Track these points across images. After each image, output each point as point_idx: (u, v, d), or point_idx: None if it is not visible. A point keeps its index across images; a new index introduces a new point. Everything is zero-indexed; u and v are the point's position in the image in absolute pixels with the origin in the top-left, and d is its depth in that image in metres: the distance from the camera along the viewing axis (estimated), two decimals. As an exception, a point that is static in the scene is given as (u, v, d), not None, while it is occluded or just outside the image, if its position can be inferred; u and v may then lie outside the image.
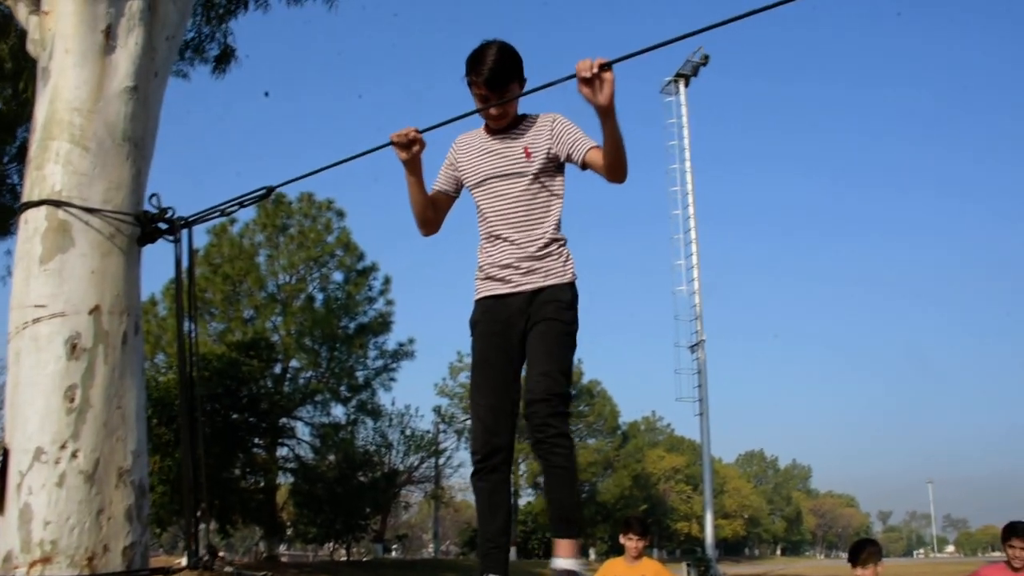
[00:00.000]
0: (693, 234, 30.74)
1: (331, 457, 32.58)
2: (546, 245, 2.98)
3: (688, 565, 28.32)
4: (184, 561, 3.81)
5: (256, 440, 28.21)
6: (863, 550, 4.85)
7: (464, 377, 49.54)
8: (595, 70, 2.61)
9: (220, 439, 22.75)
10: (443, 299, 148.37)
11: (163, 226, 4.04)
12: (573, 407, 49.63)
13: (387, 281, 34.28)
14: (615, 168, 2.88)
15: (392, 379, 34.44)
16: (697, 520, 51.01)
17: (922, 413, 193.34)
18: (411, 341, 34.83)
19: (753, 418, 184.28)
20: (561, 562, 2.80)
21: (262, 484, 29.12)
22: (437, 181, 3.21)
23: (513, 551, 49.27)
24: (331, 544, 44.56)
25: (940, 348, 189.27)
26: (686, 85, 33.00)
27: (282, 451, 31.21)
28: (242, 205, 4.86)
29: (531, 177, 3.00)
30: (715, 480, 66.69)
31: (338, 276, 33.00)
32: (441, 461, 41.91)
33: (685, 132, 32.34)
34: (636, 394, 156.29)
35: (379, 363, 34.35)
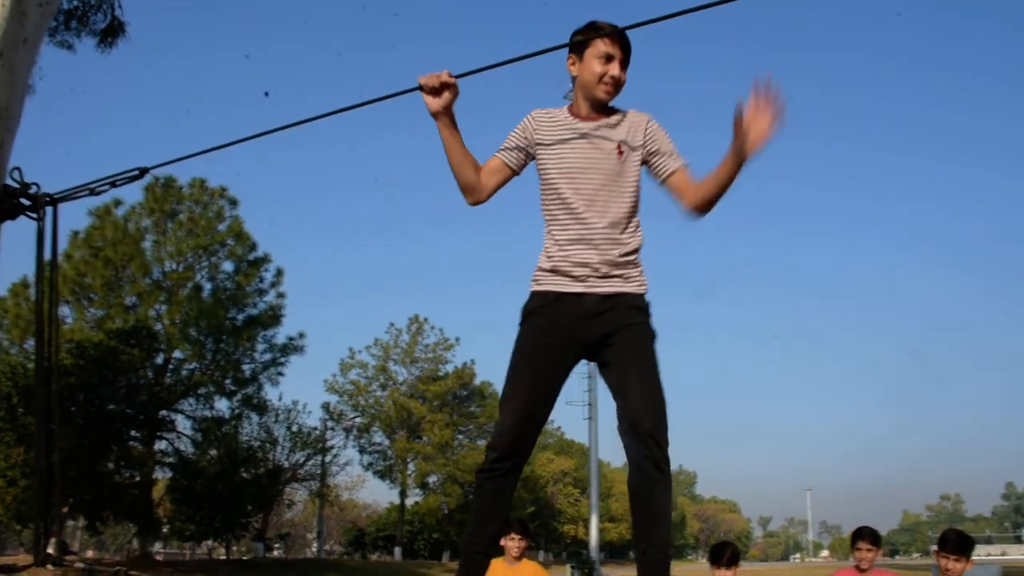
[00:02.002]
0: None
1: (213, 452, 31.61)
2: (630, 252, 2.76)
3: (572, 567, 28.61)
4: (33, 558, 3.58)
5: (133, 433, 27.12)
6: (726, 551, 4.94)
7: (355, 374, 48.93)
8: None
9: (94, 430, 21.77)
10: (336, 294, 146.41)
11: (25, 202, 3.80)
12: (464, 408, 49.36)
13: (279, 273, 33.53)
14: (707, 203, 2.71)
15: (280, 374, 33.71)
16: (584, 523, 51.80)
17: (803, 423, 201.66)
18: (301, 335, 34.20)
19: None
20: None
21: (137, 479, 28.01)
22: (502, 150, 2.89)
23: (398, 551, 48.88)
24: (210, 542, 43.25)
25: (824, 360, 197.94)
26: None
27: (160, 445, 30.15)
28: (114, 184, 4.64)
29: (621, 175, 2.76)
30: (603, 484, 67.84)
31: (228, 266, 32.07)
32: (328, 459, 41.27)
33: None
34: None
35: (267, 357, 33.54)
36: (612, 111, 2.84)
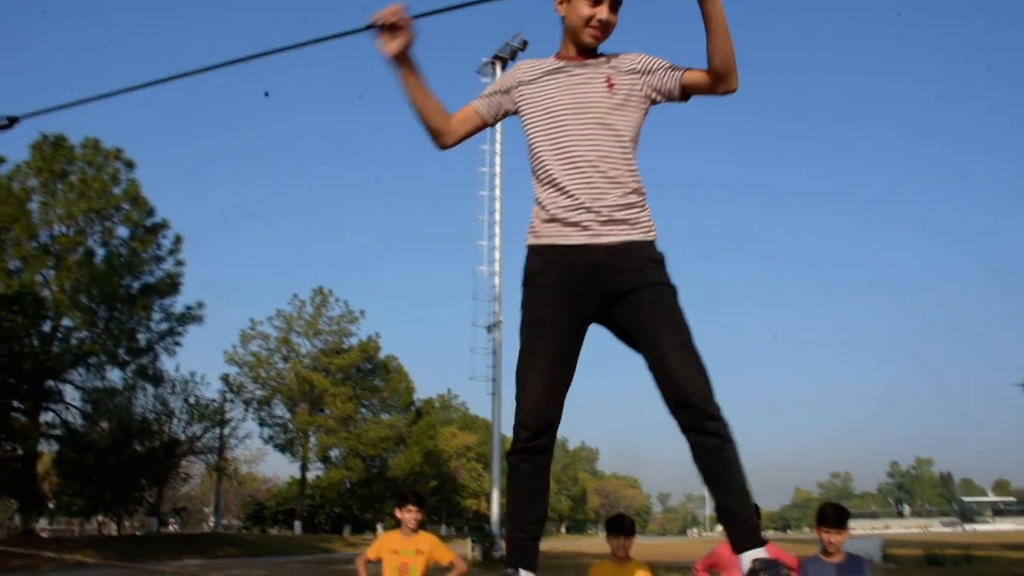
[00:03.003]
0: (497, 215, 31.21)
1: (104, 424, 30.56)
2: (630, 192, 2.53)
3: (473, 541, 28.78)
4: None
5: (16, 404, 25.93)
6: (624, 521, 5.01)
7: (256, 346, 47.95)
8: None
9: (-30, 400, 20.70)
10: (239, 262, 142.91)
11: None
12: (367, 381, 48.87)
13: (178, 240, 32.57)
14: (727, 65, 2.46)
15: (177, 344, 32.89)
16: (486, 497, 52.13)
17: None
18: (200, 305, 33.38)
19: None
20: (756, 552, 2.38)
21: (20, 452, 26.84)
22: (478, 99, 2.72)
23: (298, 525, 48.32)
24: (100, 518, 41.89)
25: (727, 333, 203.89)
26: (502, 68, 33.38)
27: (47, 416, 28.96)
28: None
29: (613, 111, 2.55)
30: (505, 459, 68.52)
31: (123, 231, 30.93)
32: (226, 431, 40.43)
33: (497, 114, 32.64)
34: (433, 372, 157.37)
35: (164, 326, 32.61)
36: (599, 55, 2.67)
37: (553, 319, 2.48)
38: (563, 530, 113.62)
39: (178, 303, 32.77)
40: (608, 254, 2.46)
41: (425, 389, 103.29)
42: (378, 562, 5.40)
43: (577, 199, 2.49)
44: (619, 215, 2.49)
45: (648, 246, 2.52)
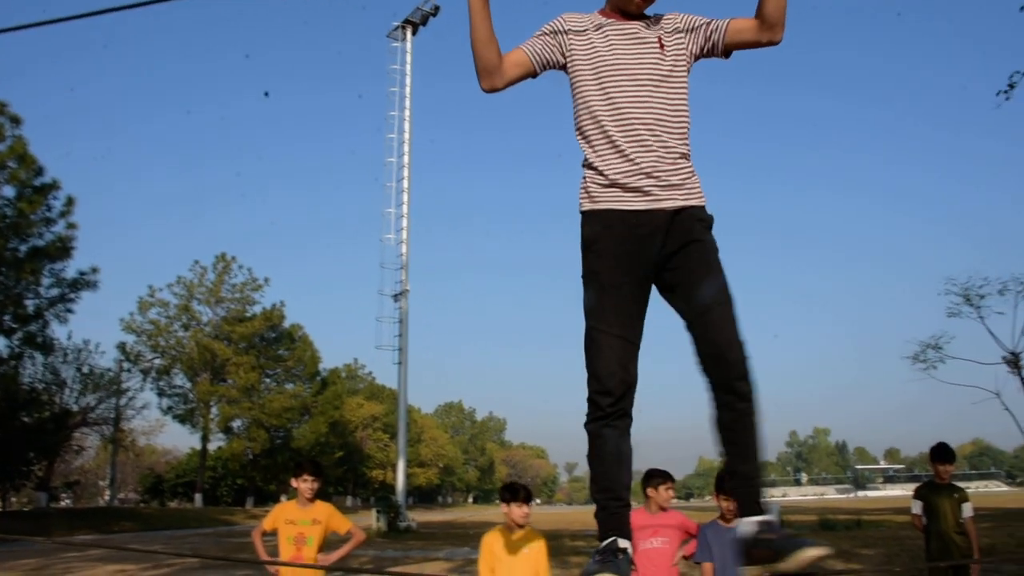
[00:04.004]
0: (406, 183, 30.80)
1: (-13, 394, 29.02)
2: (682, 156, 2.52)
3: (378, 512, 28.62)
4: None
5: None
6: (520, 490, 4.94)
7: (155, 313, 46.29)
8: None
9: None
10: (138, 225, 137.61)
11: None
12: (271, 351, 47.87)
13: (70, 202, 31.00)
14: (779, 13, 2.44)
15: (69, 311, 31.45)
16: (392, 468, 51.97)
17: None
18: (94, 270, 31.96)
19: (455, 370, 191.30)
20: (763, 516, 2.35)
21: None
22: (526, 43, 2.62)
23: (199, 497, 47.19)
24: (-16, 492, 39.97)
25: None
26: (413, 33, 32.82)
27: (-77, 385, 27.32)
28: None
29: (666, 73, 2.53)
30: (412, 429, 68.42)
31: (8, 191, 29.22)
32: (123, 402, 38.99)
33: (407, 80, 32.19)
34: (339, 341, 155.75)
35: (54, 292, 31.09)
36: (646, 16, 2.64)
37: (620, 283, 2.44)
38: (470, 500, 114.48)
39: (70, 268, 31.28)
40: (667, 218, 2.45)
41: (331, 359, 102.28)
42: (274, 533, 5.26)
43: (637, 164, 2.47)
44: (675, 179, 2.48)
45: (700, 209, 2.51)
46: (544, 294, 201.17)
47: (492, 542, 4.82)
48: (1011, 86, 12.66)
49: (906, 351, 28.01)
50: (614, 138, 2.49)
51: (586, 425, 2.44)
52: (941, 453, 6.70)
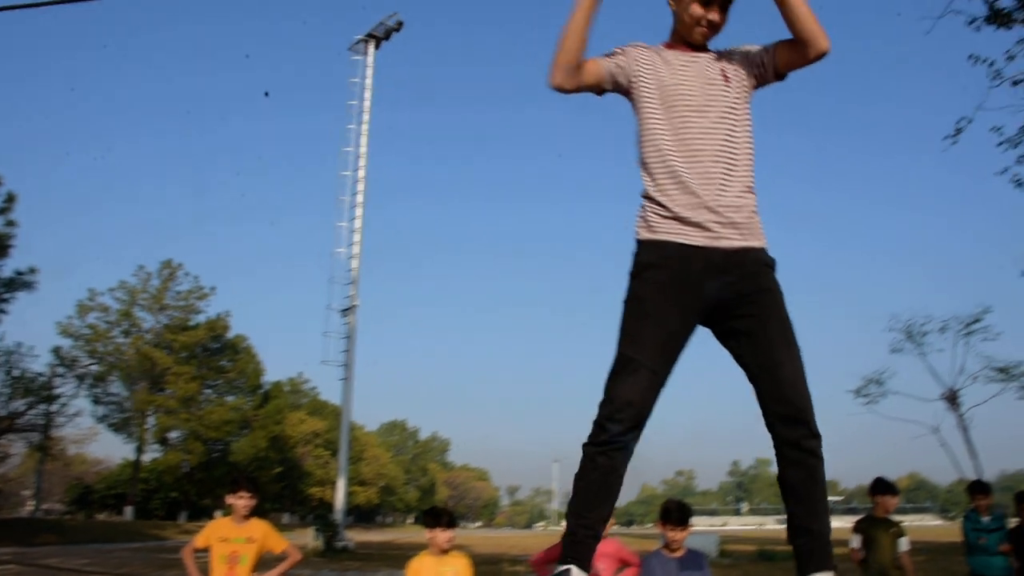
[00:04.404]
0: (360, 198, 30.53)
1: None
2: (746, 191, 2.48)
3: (316, 530, 28.03)
4: None
5: None
6: (442, 514, 4.91)
7: (95, 318, 45.09)
8: None
9: None
10: (80, 225, 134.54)
11: None
12: (213, 361, 46.92)
13: (10, 199, 30.11)
14: (810, 28, 2.43)
15: (2, 311, 30.45)
16: (332, 486, 51.12)
17: (553, 395, 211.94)
18: (32, 271, 31.05)
19: (401, 389, 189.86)
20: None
21: None
22: (601, 58, 2.61)
23: (129, 510, 45.86)
24: None
25: (552, 339, 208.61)
26: (376, 47, 32.68)
27: None
28: None
29: (731, 105, 2.54)
30: (354, 447, 67.38)
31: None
32: (54, 408, 37.72)
33: (367, 94, 32.00)
34: (286, 353, 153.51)
35: (-12, 291, 30.07)
36: (709, 50, 2.68)
37: (664, 315, 2.39)
38: (410, 520, 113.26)
39: (6, 267, 30.32)
40: (726, 258, 2.41)
41: (275, 371, 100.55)
42: (207, 550, 5.06)
43: (699, 197, 2.43)
44: (738, 217, 2.44)
45: (763, 252, 2.48)
46: (494, 319, 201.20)
47: (418, 567, 4.79)
48: (958, 131, 12.96)
49: (849, 385, 28.49)
50: (678, 171, 2.46)
51: (585, 447, 2.38)
52: (882, 486, 6.76)
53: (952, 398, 30.01)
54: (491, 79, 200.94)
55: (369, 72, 32.24)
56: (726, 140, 2.49)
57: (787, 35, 2.52)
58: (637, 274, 2.47)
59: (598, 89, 2.63)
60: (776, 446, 2.36)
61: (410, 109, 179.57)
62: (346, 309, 29.53)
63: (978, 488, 7.75)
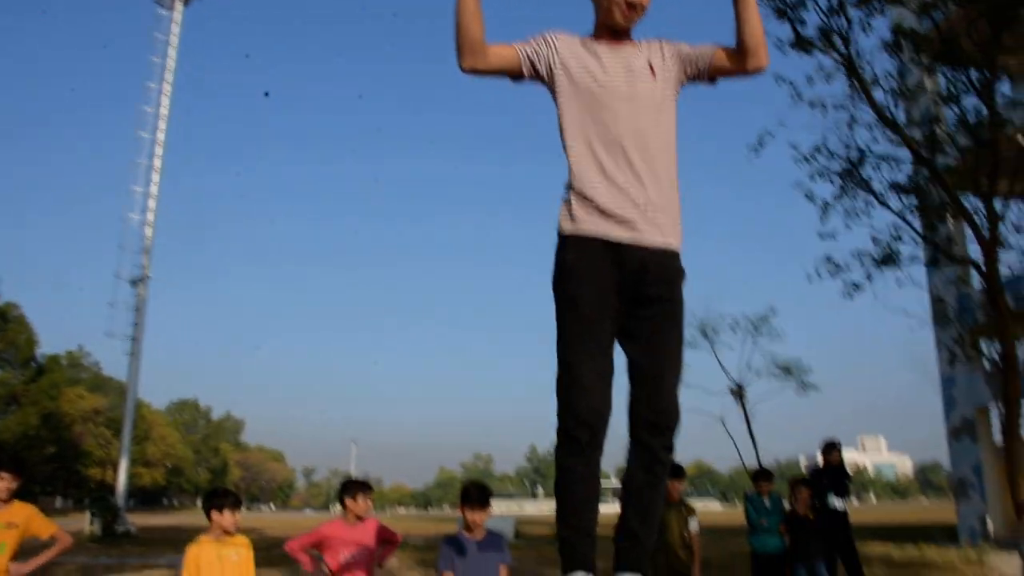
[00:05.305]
0: (158, 162, 28.65)
1: None
2: (671, 188, 2.45)
3: (93, 514, 26.20)
4: None
5: None
6: (229, 495, 4.80)
7: None
8: None
9: None
10: None
11: None
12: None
13: None
14: (761, 41, 2.43)
15: None
16: (114, 467, 47.89)
17: (352, 375, 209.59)
18: None
19: (193, 366, 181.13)
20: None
21: None
22: (515, 43, 2.52)
23: None
24: None
25: (365, 322, 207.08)
26: (185, 3, 30.73)
27: None
28: None
29: (659, 101, 2.48)
30: (140, 426, 63.53)
31: None
32: None
33: (171, 52, 30.04)
34: (64, 325, 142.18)
35: None
36: (634, 40, 2.58)
37: (600, 314, 2.36)
38: (199, 503, 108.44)
39: None
40: (647, 256, 2.39)
41: (51, 344, 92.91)
42: (-40, 538, 4.56)
43: (626, 194, 2.40)
44: (661, 216, 2.42)
45: (678, 258, 2.47)
46: (294, 294, 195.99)
47: (198, 552, 4.56)
48: (760, 143, 13.87)
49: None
50: (605, 165, 2.42)
51: (560, 459, 2.35)
52: (676, 471, 7.12)
53: (739, 392, 32.45)
54: (303, 38, 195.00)
55: (175, 29, 30.29)
56: (654, 135, 2.46)
57: (729, 42, 2.50)
58: (567, 273, 2.42)
59: (512, 74, 2.54)
60: (633, 449, 2.38)
61: (220, 71, 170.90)
62: (136, 279, 27.66)
63: (762, 475, 8.43)
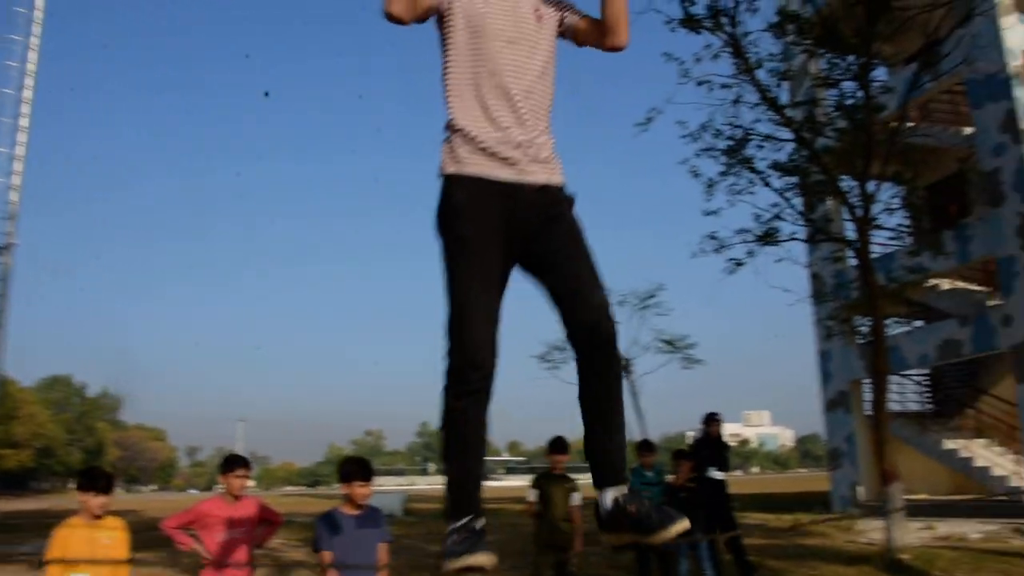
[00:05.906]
0: (24, 121, 26.78)
1: None
2: (548, 128, 2.49)
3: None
4: None
5: None
6: (100, 476, 4.54)
7: None
8: None
9: None
10: None
11: None
12: None
13: None
14: (624, 20, 2.50)
15: None
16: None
17: (237, 351, 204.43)
18: None
19: (66, 341, 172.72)
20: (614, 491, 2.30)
21: None
22: None
23: None
24: None
25: (238, 291, 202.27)
26: (47, -45, 28.72)
27: None
28: None
29: (541, 44, 2.51)
30: (6, 404, 60.26)
31: None
32: None
33: (39, 2, 28.09)
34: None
35: None
36: None
37: (487, 252, 2.34)
38: (71, 486, 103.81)
39: None
40: (534, 193, 2.40)
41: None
42: None
43: (509, 133, 2.40)
44: (543, 154, 2.45)
45: (563, 189, 2.49)
46: (177, 268, 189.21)
47: (67, 535, 4.33)
48: (648, 119, 13.99)
49: (534, 351, 30.10)
50: (488, 104, 2.42)
51: (449, 399, 2.29)
52: (558, 445, 7.22)
53: (625, 366, 33.19)
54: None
55: (38, -22, 28.29)
56: (535, 78, 2.48)
57: (595, 13, 2.55)
58: (454, 212, 2.38)
59: (417, 17, 2.50)
60: (580, 367, 2.36)
61: (92, 25, 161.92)
62: (1, 247, 25.96)
63: (645, 447, 8.63)
